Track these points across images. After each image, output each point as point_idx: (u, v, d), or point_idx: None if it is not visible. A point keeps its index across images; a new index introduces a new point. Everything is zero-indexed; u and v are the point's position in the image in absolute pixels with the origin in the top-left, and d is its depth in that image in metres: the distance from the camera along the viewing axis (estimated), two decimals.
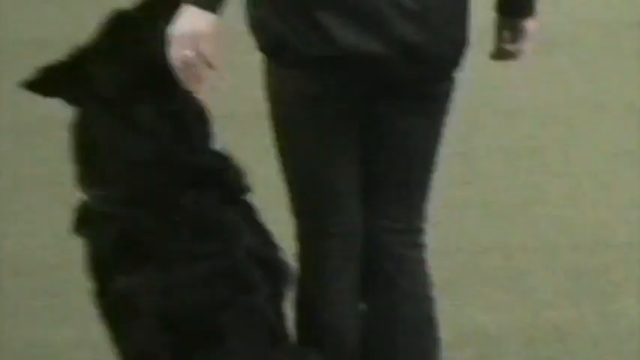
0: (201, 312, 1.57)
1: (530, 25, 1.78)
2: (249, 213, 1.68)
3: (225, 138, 1.89)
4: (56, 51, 1.78)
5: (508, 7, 1.78)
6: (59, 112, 1.81)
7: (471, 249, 3.30)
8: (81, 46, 1.65)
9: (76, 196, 1.72)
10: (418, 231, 1.78)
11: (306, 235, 1.72)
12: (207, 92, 1.68)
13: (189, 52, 1.48)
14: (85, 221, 1.64)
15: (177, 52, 1.48)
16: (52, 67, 1.63)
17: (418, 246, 1.78)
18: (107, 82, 1.61)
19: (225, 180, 1.66)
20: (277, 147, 1.71)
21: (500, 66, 2.07)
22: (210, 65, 1.54)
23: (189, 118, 1.65)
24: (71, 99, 1.65)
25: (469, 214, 3.58)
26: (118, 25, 1.64)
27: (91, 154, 1.62)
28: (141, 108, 1.59)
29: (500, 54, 1.84)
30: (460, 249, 3.26)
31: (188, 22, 1.50)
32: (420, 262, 1.77)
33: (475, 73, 2.55)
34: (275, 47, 1.60)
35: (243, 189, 1.70)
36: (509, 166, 4.08)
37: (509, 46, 1.81)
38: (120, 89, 1.60)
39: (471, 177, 3.94)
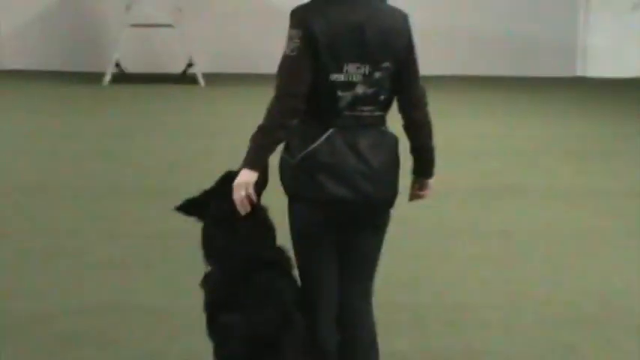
0: (268, 333, 2.94)
1: (430, 182, 3.21)
2: (294, 281, 3.14)
3: None
4: None
5: (419, 172, 3.19)
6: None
7: None
8: (206, 190, 3.14)
9: None
10: (370, 295, 3.23)
11: (310, 297, 3.10)
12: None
13: (242, 193, 2.85)
14: (205, 278, 3.13)
15: (236, 195, 2.86)
16: (190, 200, 3.16)
17: (369, 304, 3.23)
18: (218, 209, 3.06)
19: (281, 264, 3.11)
20: (295, 251, 3.11)
21: None
22: (251, 200, 2.90)
23: (262, 230, 3.10)
24: (199, 216, 3.16)
25: None
26: (225, 178, 3.09)
27: (208, 245, 3.10)
28: (239, 223, 3.02)
29: (413, 198, 3.25)
30: None
31: (242, 177, 2.88)
32: (370, 312, 3.24)
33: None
34: (296, 194, 2.98)
35: (291, 267, 3.15)
36: None
37: (417, 193, 3.24)
38: (226, 213, 3.01)
39: None
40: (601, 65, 15.76)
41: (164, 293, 5.40)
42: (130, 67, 13.91)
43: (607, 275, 6.07)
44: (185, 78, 13.70)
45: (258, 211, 3.15)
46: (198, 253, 3.33)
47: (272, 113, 2.98)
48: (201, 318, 3.26)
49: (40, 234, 6.51)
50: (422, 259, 6.21)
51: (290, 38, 2.98)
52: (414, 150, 3.21)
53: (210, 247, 3.24)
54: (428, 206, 4.36)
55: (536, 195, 8.22)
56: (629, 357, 4.76)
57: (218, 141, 8.97)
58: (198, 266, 3.41)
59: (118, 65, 13.64)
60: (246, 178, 2.98)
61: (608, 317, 5.26)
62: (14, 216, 7.06)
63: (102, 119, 11.36)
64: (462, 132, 10.57)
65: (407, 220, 5.37)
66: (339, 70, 2.99)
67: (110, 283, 5.48)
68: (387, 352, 3.74)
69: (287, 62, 2.97)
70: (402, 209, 3.60)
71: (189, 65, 13.61)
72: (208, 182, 3.47)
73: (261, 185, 3.15)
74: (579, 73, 15.76)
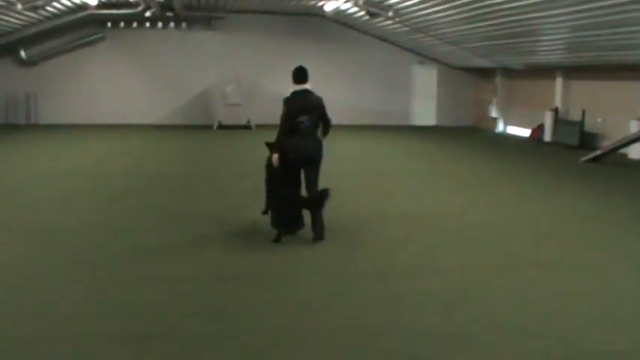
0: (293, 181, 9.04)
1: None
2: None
3: None
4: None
5: (324, 133, 8.96)
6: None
7: None
8: (274, 142, 8.89)
9: None
10: (316, 183, 8.96)
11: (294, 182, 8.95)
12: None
13: (274, 160, 8.80)
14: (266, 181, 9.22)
15: (273, 159, 8.85)
16: (268, 143, 9.10)
17: (316, 186, 8.96)
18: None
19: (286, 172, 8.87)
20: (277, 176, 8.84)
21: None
22: (275, 162, 8.76)
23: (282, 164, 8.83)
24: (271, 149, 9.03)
25: None
26: (271, 144, 9.07)
27: (284, 153, 8.83)
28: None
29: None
30: None
31: (271, 152, 8.93)
32: (316, 187, 8.92)
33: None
34: (287, 156, 8.71)
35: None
36: None
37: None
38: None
39: None
40: (419, 120, 29.21)
41: None
42: (224, 122, 25.66)
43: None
44: (247, 127, 25.34)
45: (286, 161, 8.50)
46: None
47: (280, 132, 8.60)
48: None
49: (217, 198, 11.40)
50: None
51: (284, 108, 8.60)
52: (323, 130, 8.76)
53: (268, 166, 8.88)
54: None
55: (398, 174, 15.06)
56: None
57: (256, 152, 13.29)
58: None
59: (219, 122, 25.63)
60: (275, 152, 8.57)
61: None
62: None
63: (213, 144, 20.94)
64: (360, 146, 20.47)
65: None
66: (298, 117, 8.56)
67: None
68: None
69: (283, 116, 8.60)
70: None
71: (248, 121, 25.40)
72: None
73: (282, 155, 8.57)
74: (411, 123, 29.16)
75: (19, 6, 20.48)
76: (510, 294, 6.92)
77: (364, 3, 22.04)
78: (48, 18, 24.51)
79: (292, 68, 9.05)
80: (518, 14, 17.52)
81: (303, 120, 8.66)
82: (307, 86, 8.91)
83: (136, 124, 26.95)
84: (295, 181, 8.95)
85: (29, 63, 26.66)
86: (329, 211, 9.21)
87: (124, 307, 6.45)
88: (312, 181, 8.98)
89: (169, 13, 25.42)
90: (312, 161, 8.91)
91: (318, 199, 8.88)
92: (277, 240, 8.88)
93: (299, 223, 9.02)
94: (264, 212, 9.35)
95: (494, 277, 7.52)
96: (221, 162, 17.30)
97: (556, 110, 23.11)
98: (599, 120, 21.25)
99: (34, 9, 21.44)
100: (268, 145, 9.07)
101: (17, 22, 23.47)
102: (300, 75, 8.94)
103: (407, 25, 23.86)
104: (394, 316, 6.31)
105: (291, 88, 8.89)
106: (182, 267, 7.87)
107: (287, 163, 8.72)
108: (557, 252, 8.73)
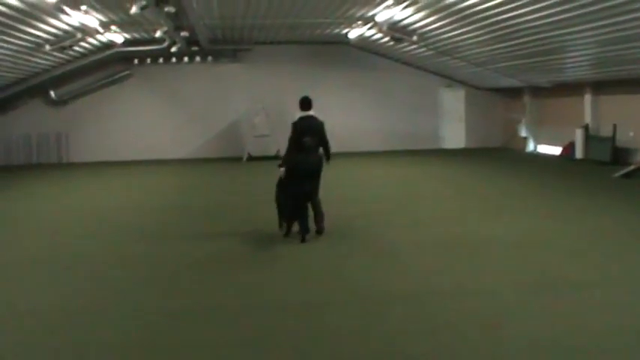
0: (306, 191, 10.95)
1: (329, 162, 11.18)
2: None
3: None
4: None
5: (326, 159, 11.07)
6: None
7: None
8: (282, 158, 11.12)
9: None
10: (318, 193, 11.03)
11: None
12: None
13: (281, 172, 10.96)
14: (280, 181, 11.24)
15: (280, 171, 10.98)
16: (282, 161, 11.07)
17: (317, 195, 11.04)
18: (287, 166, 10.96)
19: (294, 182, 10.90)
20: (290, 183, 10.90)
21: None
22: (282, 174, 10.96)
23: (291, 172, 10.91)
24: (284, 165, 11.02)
25: None
26: (290, 163, 10.92)
27: (291, 167, 10.92)
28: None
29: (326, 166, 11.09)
30: None
31: (280, 168, 10.95)
32: (318, 196, 11.06)
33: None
34: (293, 169, 10.77)
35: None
36: None
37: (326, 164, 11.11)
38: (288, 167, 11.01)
39: None
40: (448, 143, 29.34)
41: None
42: (254, 153, 26.01)
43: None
44: (277, 157, 23.77)
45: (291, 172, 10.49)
46: None
47: (288, 151, 10.65)
48: None
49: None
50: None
51: (292, 130, 10.65)
52: (325, 154, 10.83)
53: (279, 184, 11.01)
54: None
55: (428, 198, 15.34)
56: None
57: None
58: None
59: (249, 153, 25.98)
60: (281, 170, 10.61)
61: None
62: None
63: (242, 174, 21.45)
64: (390, 171, 20.88)
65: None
66: (304, 137, 10.57)
67: None
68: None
69: (291, 138, 10.65)
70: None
71: (278, 151, 24.93)
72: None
73: (290, 169, 10.53)
74: (441, 146, 29.27)
75: (48, 47, 20.84)
76: (554, 313, 6.83)
77: (388, 29, 22.12)
78: (76, 58, 24.99)
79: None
80: (543, 32, 17.48)
81: (307, 140, 10.55)
82: (311, 112, 10.87)
83: (166, 159, 27.29)
84: (299, 187, 10.59)
85: (59, 103, 27.13)
86: (365, 240, 10.26)
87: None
88: (314, 190, 10.81)
89: (195, 48, 25.74)
90: (314, 173, 10.76)
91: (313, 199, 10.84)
92: (286, 234, 10.74)
93: (305, 226, 10.62)
94: (280, 227, 11.05)
95: (534, 297, 7.42)
96: (255, 192, 17.16)
97: (586, 127, 23.07)
98: (631, 134, 21.13)
99: (62, 49, 21.81)
100: (280, 165, 10.82)
101: (46, 62, 23.91)
102: (305, 103, 10.93)
103: (432, 49, 23.97)
104: (433, 338, 6.23)
105: (297, 113, 10.84)
106: (210, 296, 7.82)
107: (293, 174, 10.59)
108: (598, 269, 8.65)
